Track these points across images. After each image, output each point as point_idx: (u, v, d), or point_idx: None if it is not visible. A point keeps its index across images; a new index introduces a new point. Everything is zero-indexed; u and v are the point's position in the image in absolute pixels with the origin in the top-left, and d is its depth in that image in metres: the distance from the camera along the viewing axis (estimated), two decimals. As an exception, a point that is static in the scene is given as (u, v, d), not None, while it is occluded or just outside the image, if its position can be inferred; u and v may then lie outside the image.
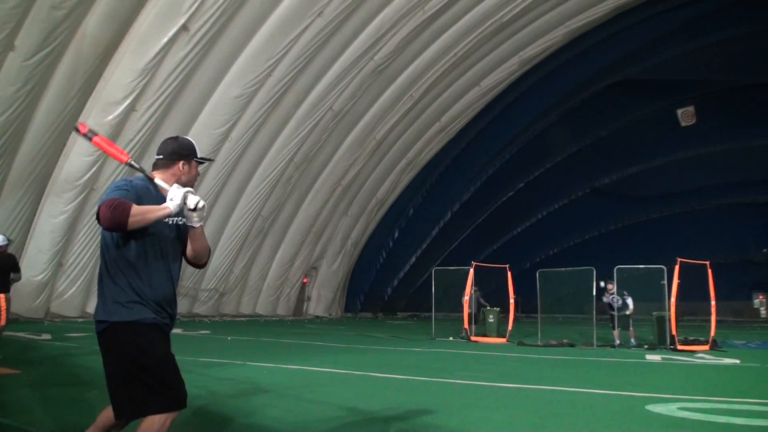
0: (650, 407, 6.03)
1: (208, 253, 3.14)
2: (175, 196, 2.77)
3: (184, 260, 3.13)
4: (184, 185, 2.92)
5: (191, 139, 3.12)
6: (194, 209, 2.81)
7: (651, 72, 30.25)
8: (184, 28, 16.25)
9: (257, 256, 26.10)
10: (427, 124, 28.94)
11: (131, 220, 2.64)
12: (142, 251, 2.85)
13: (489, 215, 37.00)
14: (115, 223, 2.63)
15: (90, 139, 2.93)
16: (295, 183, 25.26)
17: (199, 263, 3.13)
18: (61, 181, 16.74)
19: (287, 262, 27.96)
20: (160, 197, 2.88)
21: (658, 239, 34.02)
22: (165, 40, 16.07)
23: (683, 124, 32.64)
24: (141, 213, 2.68)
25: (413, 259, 36.11)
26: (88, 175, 16.89)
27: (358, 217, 30.98)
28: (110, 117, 16.42)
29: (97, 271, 3.01)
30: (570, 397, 6.94)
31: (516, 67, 27.44)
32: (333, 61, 21.39)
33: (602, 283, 15.19)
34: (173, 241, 3.00)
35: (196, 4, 15.96)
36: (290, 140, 22.90)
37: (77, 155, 16.64)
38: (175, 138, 3.12)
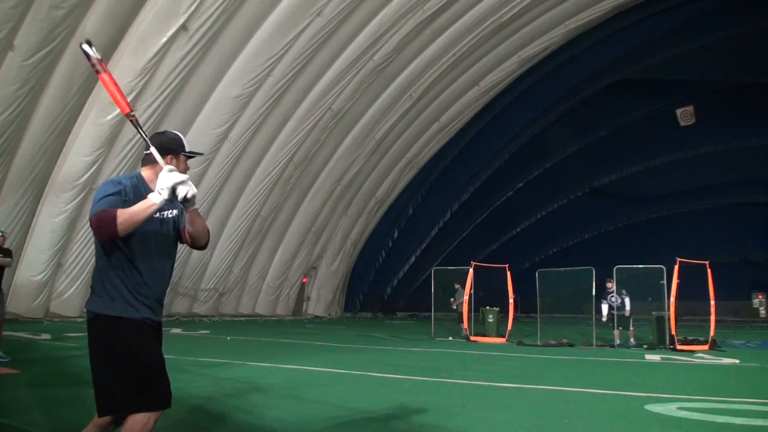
0: (649, 407, 6.04)
1: (207, 233, 3.10)
2: (163, 188, 2.69)
3: (186, 245, 3.12)
4: None
5: (179, 134, 3.09)
6: (184, 200, 2.75)
7: (650, 72, 30.27)
8: (184, 27, 16.25)
9: (257, 256, 26.09)
10: (427, 124, 28.93)
11: (120, 228, 2.62)
12: (135, 249, 2.84)
13: (488, 215, 37.02)
14: (106, 236, 2.65)
15: (97, 72, 2.88)
16: (295, 183, 25.25)
17: (198, 244, 3.10)
18: (60, 181, 16.73)
19: (287, 262, 27.95)
20: (149, 192, 2.83)
21: (657, 239, 34.04)
22: (164, 39, 16.06)
23: (682, 123, 32.66)
24: (128, 217, 2.64)
25: (413, 258, 36.13)
26: (88, 174, 16.87)
27: (358, 217, 30.98)
28: (109, 117, 16.41)
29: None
30: (569, 397, 6.94)
31: (515, 66, 27.44)
32: (332, 61, 21.38)
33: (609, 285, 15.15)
34: (166, 236, 2.99)
35: (195, 4, 15.95)
36: (289, 140, 22.90)
37: (76, 155, 16.64)
38: (163, 133, 3.08)
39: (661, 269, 14.56)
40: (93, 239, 2.92)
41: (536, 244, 39.63)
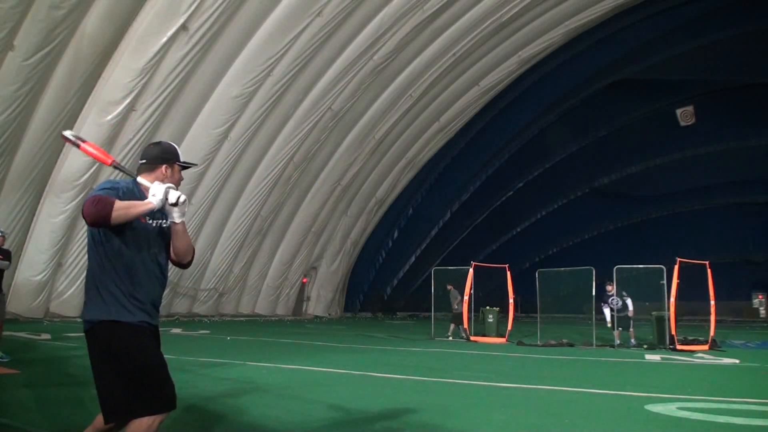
0: (650, 407, 6.04)
1: (192, 252, 3.16)
2: (156, 191, 2.80)
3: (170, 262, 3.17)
4: None
5: (173, 144, 3.20)
6: (175, 204, 2.83)
7: (650, 71, 30.27)
8: (184, 27, 16.24)
9: (257, 256, 26.09)
10: (427, 124, 28.94)
11: (115, 214, 2.68)
12: (129, 252, 2.88)
13: (488, 215, 37.02)
14: (99, 218, 2.68)
15: (78, 146, 3.02)
16: (295, 183, 25.25)
17: (182, 262, 3.14)
18: (60, 181, 16.73)
19: (286, 262, 27.95)
20: (143, 198, 2.94)
21: (657, 239, 34.04)
22: (164, 39, 16.06)
23: (682, 123, 32.65)
24: (124, 207, 2.72)
25: (413, 258, 36.13)
26: (87, 174, 16.88)
27: (358, 217, 30.98)
28: (109, 117, 16.41)
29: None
30: (570, 397, 6.94)
31: (515, 66, 27.44)
32: (332, 61, 21.38)
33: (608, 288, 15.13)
34: (160, 243, 3.04)
35: (195, 4, 15.95)
36: (289, 140, 22.89)
37: (76, 155, 16.62)
38: (158, 143, 3.20)
39: (661, 269, 14.55)
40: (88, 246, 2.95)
41: (536, 244, 39.61)
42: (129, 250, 2.88)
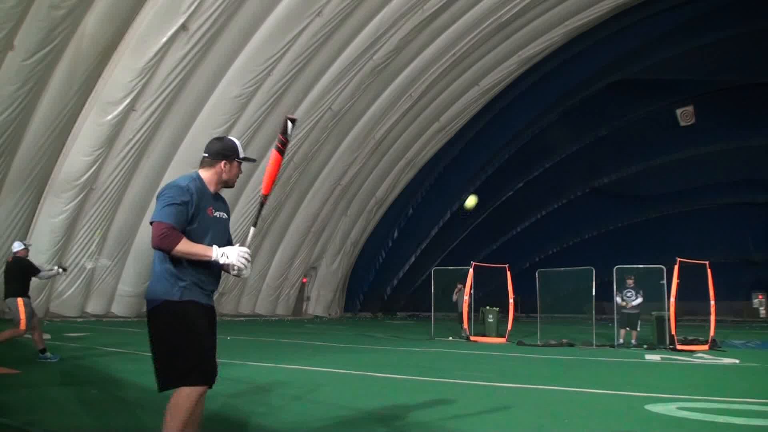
0: (649, 407, 6.03)
1: None
2: (226, 256, 3.04)
3: None
4: (225, 182, 3.32)
5: (235, 140, 3.39)
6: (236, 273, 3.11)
7: (650, 71, 30.25)
8: (184, 27, 16.25)
9: (256, 256, 26.08)
10: (427, 124, 28.94)
11: (175, 252, 2.98)
12: (198, 241, 3.12)
13: (488, 215, 36.98)
14: (161, 249, 3.00)
15: (278, 149, 3.31)
16: (295, 183, 25.26)
17: None
18: (60, 181, 16.74)
19: (286, 262, 27.95)
20: (211, 195, 3.24)
21: (657, 239, 34.00)
22: (164, 39, 16.07)
23: (682, 123, 32.61)
24: (186, 249, 3.00)
25: (413, 258, 36.12)
26: (88, 174, 16.89)
27: (358, 217, 30.98)
28: (109, 117, 16.42)
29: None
30: (569, 397, 6.95)
31: (515, 66, 27.45)
32: (332, 61, 21.38)
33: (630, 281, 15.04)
34: (223, 235, 3.33)
35: (195, 4, 15.96)
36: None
37: (76, 155, 16.65)
38: (221, 138, 3.42)
39: (661, 269, 14.54)
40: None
41: (536, 244, 39.56)
42: (198, 239, 3.11)
